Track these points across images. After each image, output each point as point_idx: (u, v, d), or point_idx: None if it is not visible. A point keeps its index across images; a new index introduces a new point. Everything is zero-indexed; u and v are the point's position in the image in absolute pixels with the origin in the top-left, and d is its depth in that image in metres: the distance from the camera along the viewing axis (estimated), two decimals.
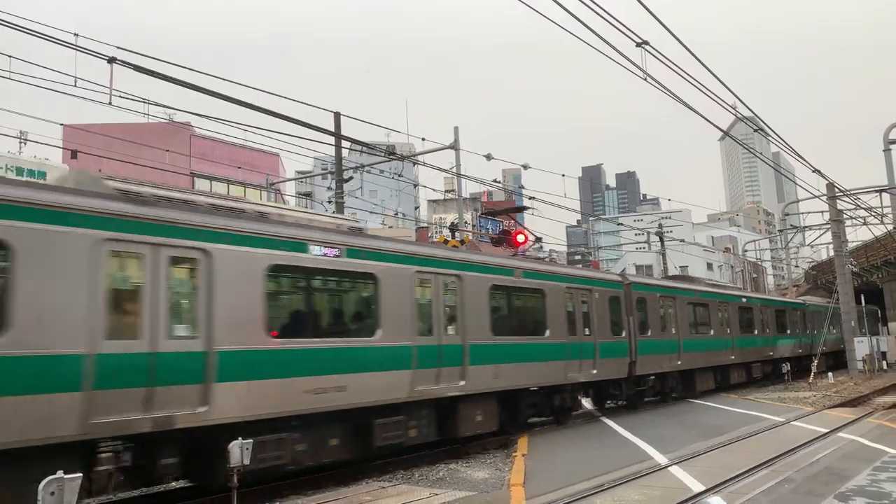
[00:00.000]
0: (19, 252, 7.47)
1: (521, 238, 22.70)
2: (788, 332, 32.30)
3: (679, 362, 21.27)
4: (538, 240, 25.37)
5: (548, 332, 15.57)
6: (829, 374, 29.20)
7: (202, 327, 8.90)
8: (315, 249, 10.51)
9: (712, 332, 24.17)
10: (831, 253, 42.18)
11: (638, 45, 11.98)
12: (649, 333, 19.87)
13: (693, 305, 23.13)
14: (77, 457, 7.74)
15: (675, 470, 10.53)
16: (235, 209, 10.29)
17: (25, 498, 6.68)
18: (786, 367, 29.23)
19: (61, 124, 29.02)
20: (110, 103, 12.51)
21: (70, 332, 7.72)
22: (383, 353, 11.33)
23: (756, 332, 28.07)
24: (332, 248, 10.75)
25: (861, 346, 32.78)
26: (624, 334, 18.66)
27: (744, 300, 27.97)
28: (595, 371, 16.98)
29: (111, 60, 11.43)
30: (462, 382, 12.87)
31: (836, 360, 34.57)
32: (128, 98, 13.68)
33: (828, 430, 14.28)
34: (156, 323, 8.47)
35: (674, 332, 21.33)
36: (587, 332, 16.94)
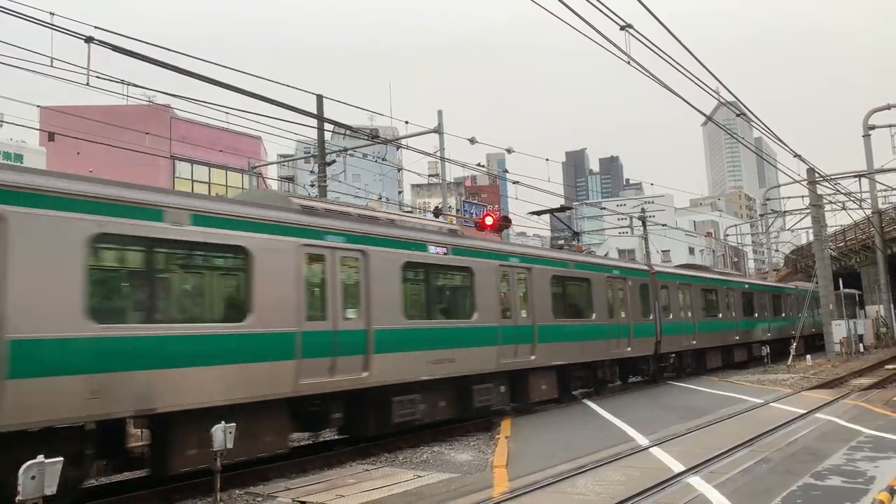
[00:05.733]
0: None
1: (489, 220, 22.52)
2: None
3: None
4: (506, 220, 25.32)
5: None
6: (808, 356, 29.65)
7: None
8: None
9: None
10: (811, 237, 42.67)
11: (622, 28, 11.94)
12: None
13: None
14: None
15: (655, 451, 10.66)
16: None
17: None
18: (765, 350, 29.66)
19: (38, 106, 28.45)
20: (88, 84, 12.28)
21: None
22: None
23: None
24: None
25: (839, 329, 33.28)
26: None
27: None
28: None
29: (88, 40, 11.19)
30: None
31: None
32: (106, 79, 13.42)
33: (805, 411, 14.53)
34: None
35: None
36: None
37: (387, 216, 13.17)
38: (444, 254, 13.24)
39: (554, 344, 15.85)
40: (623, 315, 19.14)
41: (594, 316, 17.82)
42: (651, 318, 20.87)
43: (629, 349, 19.14)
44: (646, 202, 76.69)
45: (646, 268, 22.14)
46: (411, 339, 12.19)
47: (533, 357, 15.00)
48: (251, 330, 9.65)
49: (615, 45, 12.06)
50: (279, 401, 10.13)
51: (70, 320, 7.91)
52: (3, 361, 7.29)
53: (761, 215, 56.55)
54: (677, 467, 9.25)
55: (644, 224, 45.68)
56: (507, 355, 14.40)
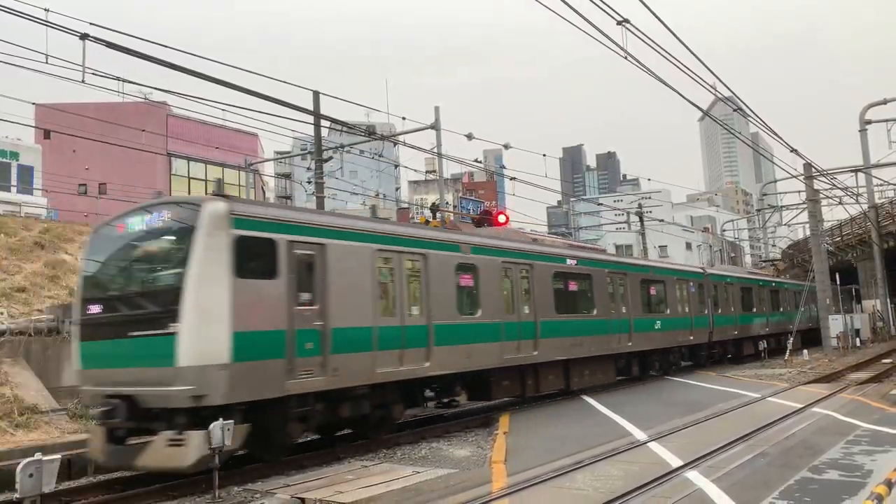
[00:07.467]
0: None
1: (502, 218, 22.62)
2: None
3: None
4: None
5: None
6: (804, 351, 29.72)
7: None
8: None
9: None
10: (808, 232, 42.73)
11: (619, 23, 11.93)
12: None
13: None
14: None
15: (653, 446, 10.68)
16: None
17: None
18: (762, 345, 29.73)
19: (33, 103, 28.37)
20: (83, 81, 12.21)
21: None
22: None
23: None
24: None
25: (835, 324, 33.34)
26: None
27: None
28: None
29: (84, 37, 11.15)
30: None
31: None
32: (102, 76, 13.35)
33: (802, 406, 14.55)
34: None
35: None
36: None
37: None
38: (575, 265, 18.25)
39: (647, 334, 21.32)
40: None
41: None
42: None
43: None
44: (643, 197, 76.74)
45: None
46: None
47: (630, 343, 20.10)
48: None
49: (612, 40, 12.05)
50: None
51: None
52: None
53: (758, 210, 56.68)
54: (675, 462, 9.27)
55: (641, 220, 45.71)
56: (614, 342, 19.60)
